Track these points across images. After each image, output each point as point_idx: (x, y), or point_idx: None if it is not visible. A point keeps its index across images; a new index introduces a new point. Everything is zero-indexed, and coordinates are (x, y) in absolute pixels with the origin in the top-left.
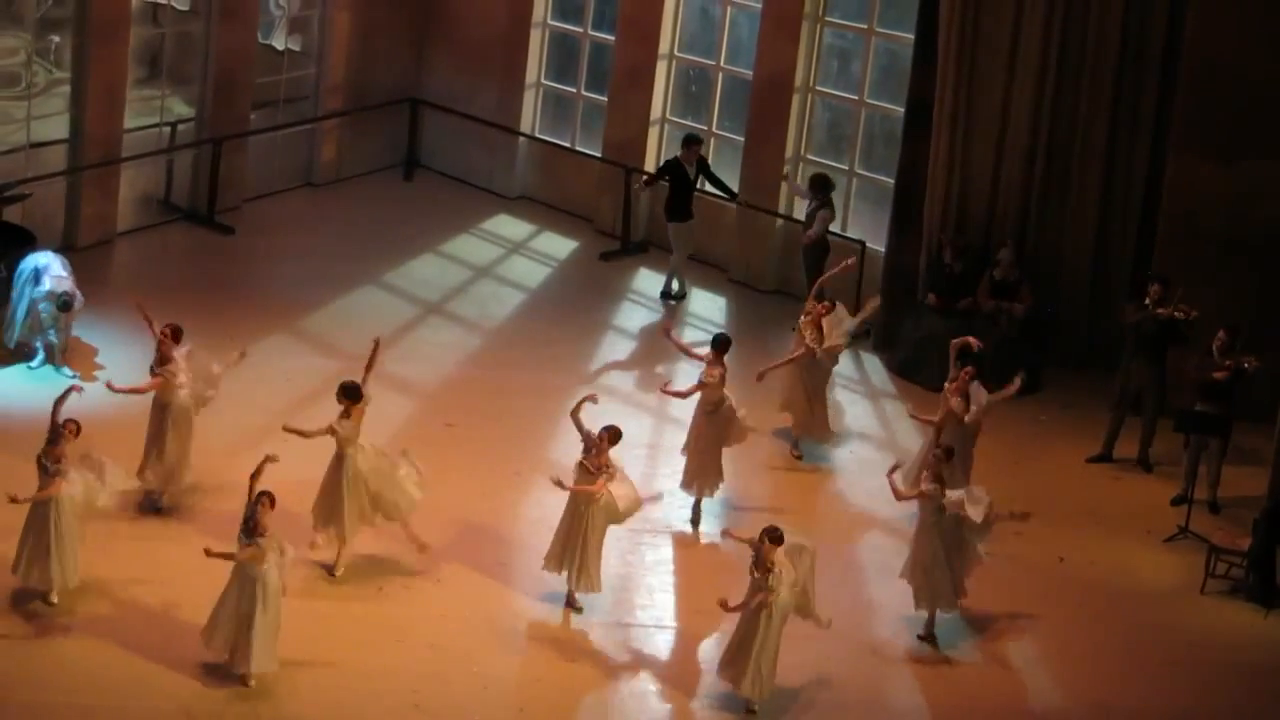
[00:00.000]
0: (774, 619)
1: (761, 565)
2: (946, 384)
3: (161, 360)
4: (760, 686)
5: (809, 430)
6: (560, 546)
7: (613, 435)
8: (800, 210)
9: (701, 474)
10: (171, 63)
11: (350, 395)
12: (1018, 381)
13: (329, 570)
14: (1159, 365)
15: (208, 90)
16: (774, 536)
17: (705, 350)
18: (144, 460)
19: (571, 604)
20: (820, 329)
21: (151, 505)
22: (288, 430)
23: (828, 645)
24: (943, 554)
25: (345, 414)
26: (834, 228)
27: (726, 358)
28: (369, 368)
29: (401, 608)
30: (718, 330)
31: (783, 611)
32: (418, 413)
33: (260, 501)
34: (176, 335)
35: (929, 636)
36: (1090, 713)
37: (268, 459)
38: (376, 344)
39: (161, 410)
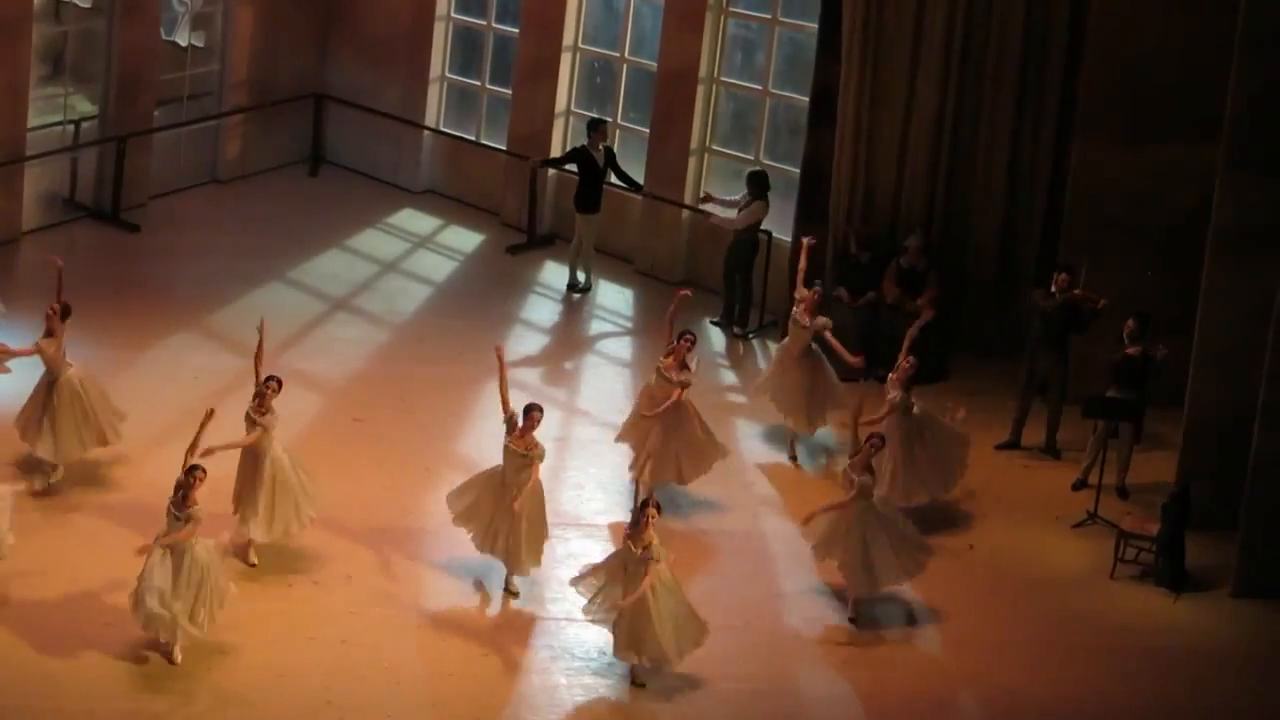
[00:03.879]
0: (660, 588)
1: (640, 538)
2: (890, 375)
3: (46, 333)
4: (669, 650)
5: (808, 425)
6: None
7: (539, 414)
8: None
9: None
10: (74, 60)
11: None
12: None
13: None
14: (1063, 352)
15: (111, 88)
16: (659, 505)
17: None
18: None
19: (509, 589)
20: (813, 314)
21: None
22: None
23: (741, 636)
24: (869, 539)
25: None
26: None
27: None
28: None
29: (311, 604)
30: (625, 323)
31: (665, 579)
32: (325, 408)
33: (194, 475)
34: (65, 313)
35: (855, 618)
36: (1001, 698)
37: (209, 415)
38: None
39: (49, 386)
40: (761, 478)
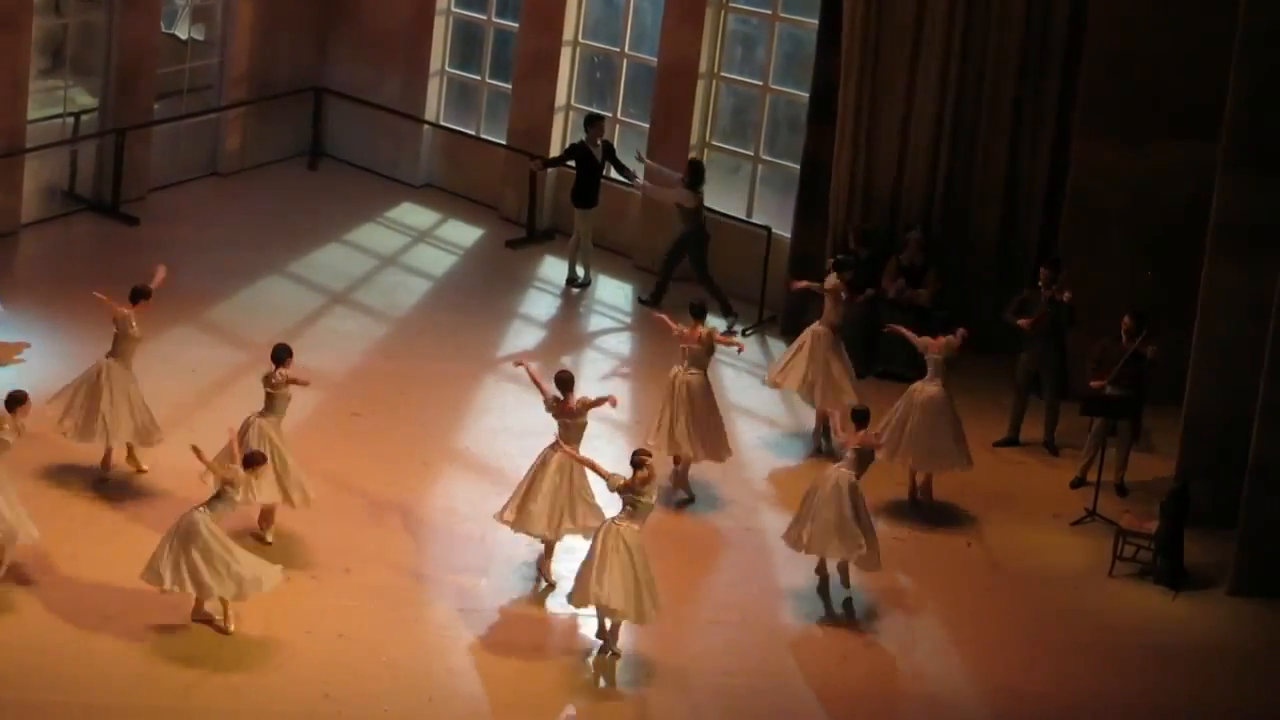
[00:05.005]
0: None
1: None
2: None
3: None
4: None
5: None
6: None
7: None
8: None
9: (718, 442)
10: (74, 53)
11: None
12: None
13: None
14: (1056, 347)
15: (111, 80)
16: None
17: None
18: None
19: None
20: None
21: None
22: None
23: (738, 631)
24: (819, 505)
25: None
26: (740, 214)
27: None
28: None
29: (309, 597)
30: (624, 318)
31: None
32: (324, 402)
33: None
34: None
35: (826, 591)
36: (998, 696)
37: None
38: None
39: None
40: (759, 473)
